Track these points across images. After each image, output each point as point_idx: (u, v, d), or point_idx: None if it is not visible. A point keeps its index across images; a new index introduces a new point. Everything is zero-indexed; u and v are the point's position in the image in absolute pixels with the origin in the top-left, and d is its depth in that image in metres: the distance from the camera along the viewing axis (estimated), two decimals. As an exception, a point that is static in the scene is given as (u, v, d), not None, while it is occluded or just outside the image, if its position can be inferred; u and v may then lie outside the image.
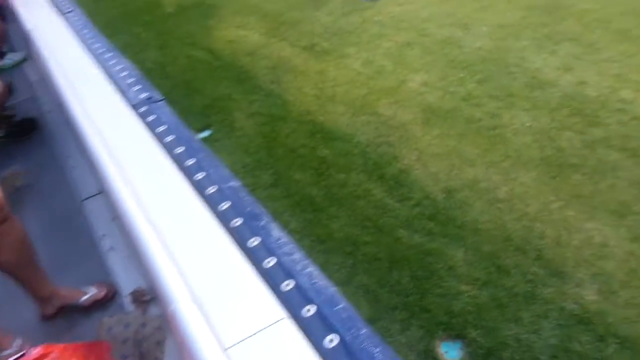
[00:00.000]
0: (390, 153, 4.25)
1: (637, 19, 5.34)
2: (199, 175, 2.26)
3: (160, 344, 2.25)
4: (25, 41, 4.28)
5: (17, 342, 2.16)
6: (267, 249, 1.75)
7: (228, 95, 5.29)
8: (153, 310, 2.54)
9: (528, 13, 5.87)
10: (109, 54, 3.34)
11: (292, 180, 4.04)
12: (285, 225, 3.47)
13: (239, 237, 1.80)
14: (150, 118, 2.67)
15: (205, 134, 4.79)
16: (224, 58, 6.05)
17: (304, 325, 1.41)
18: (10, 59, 5.32)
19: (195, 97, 5.39)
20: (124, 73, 3.07)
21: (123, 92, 2.81)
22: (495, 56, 5.18)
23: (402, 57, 5.51)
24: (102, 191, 3.36)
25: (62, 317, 2.59)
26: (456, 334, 2.72)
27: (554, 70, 4.79)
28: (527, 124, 4.18)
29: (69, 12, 4.15)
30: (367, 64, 5.51)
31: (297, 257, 1.71)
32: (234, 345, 1.32)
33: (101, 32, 4.12)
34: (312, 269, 1.65)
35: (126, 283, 2.75)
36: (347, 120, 4.73)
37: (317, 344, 1.37)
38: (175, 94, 5.52)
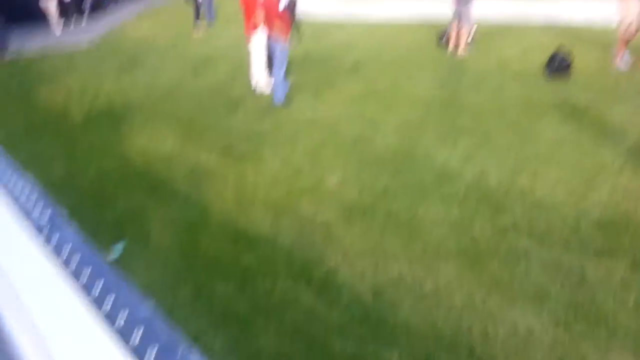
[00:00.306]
0: (316, 255, 4.20)
1: (526, 110, 6.01)
2: (107, 302, 2.04)
3: None
4: None
5: None
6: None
7: (142, 205, 5.07)
8: None
9: (428, 110, 6.41)
10: (8, 171, 3.08)
11: (215, 293, 3.82)
12: (208, 347, 3.20)
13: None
14: (53, 239, 2.44)
15: (118, 249, 4.49)
16: (137, 166, 5.89)
17: None
18: None
19: (106, 210, 5.10)
20: (25, 191, 2.82)
21: (25, 211, 2.57)
22: (404, 151, 5.52)
23: (317, 156, 5.69)
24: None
25: None
26: None
27: (457, 162, 5.16)
28: (441, 215, 4.37)
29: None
30: (284, 165, 5.61)
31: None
32: None
33: (1, 149, 3.87)
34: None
35: None
36: (269, 223, 4.67)
37: None
38: (84, 207, 5.20)
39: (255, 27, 7.22)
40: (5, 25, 11.48)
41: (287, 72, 7.19)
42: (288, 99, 7.12)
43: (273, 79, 7.13)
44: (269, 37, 6.96)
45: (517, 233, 4.04)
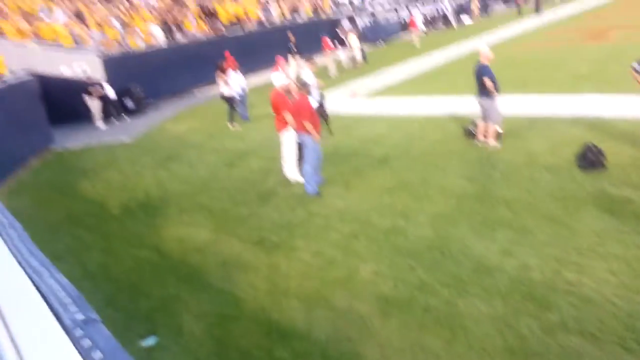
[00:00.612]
0: (352, 350, 4.05)
1: (562, 203, 5.94)
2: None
3: None
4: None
5: None
6: None
7: (176, 296, 5.06)
8: None
9: (460, 202, 6.42)
10: (45, 271, 3.14)
11: (249, 391, 3.67)
12: None
13: None
14: (85, 343, 2.41)
15: (151, 341, 4.42)
16: (172, 257, 5.96)
17: None
18: None
19: (140, 300, 5.11)
20: (60, 291, 2.84)
21: (57, 313, 2.57)
22: (439, 244, 5.46)
23: (350, 247, 5.68)
24: None
25: None
26: None
27: (496, 255, 5.06)
28: (484, 311, 4.21)
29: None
30: (317, 256, 5.59)
31: None
32: None
33: (42, 238, 3.99)
34: None
35: None
36: (303, 316, 4.58)
37: None
38: (119, 297, 5.23)
39: (285, 124, 7.60)
40: (50, 122, 12.38)
41: (319, 165, 7.41)
42: (319, 190, 7.27)
43: (305, 172, 7.35)
44: (300, 133, 7.29)
45: (567, 331, 3.84)
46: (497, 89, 8.14)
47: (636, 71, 7.04)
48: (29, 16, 16.06)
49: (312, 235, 6.12)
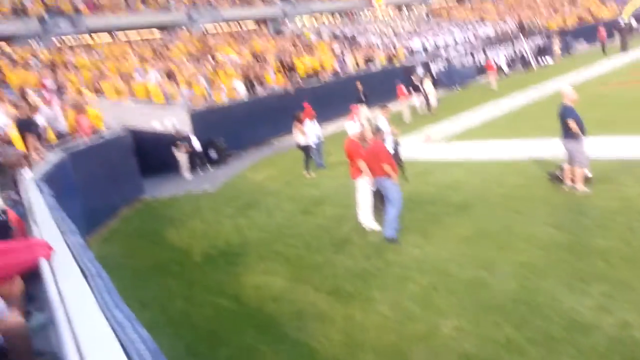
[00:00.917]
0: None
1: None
2: None
3: None
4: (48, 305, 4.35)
5: None
6: None
7: (254, 346, 5.11)
8: None
9: (548, 252, 6.02)
10: (128, 325, 3.28)
11: None
12: None
13: None
14: None
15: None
16: (250, 305, 6.07)
17: None
18: (37, 320, 5.36)
19: (220, 349, 5.21)
20: (141, 347, 2.94)
21: None
22: (526, 297, 5.12)
23: (429, 300, 5.47)
24: None
25: None
26: None
27: (591, 311, 4.65)
28: (581, 374, 3.85)
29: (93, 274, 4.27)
30: (394, 308, 5.44)
31: None
32: None
33: (130, 284, 4.25)
34: None
35: None
36: (380, 372, 4.43)
37: None
38: (199, 345, 5.37)
39: (359, 172, 7.66)
40: (142, 173, 13.37)
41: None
42: (397, 238, 7.16)
43: (388, 215, 7.28)
44: (380, 178, 7.32)
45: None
46: (582, 131, 7.73)
47: None
48: (126, 76, 17.80)
49: (389, 285, 5.99)
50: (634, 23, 35.48)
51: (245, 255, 7.67)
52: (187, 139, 15.06)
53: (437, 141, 13.98)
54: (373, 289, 5.94)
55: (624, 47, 28.09)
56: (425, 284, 5.83)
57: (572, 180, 7.95)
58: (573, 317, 4.61)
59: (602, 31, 30.40)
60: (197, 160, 15.31)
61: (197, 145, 15.32)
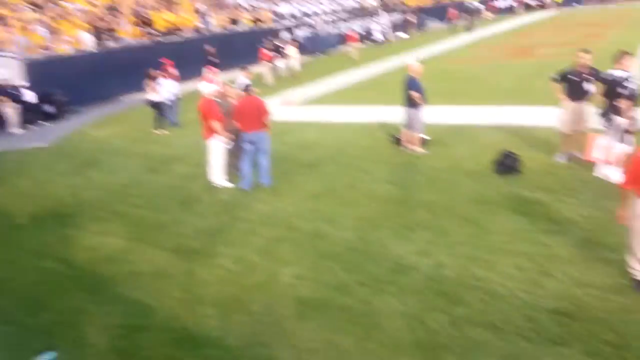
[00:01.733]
0: (266, 354, 4.02)
1: (479, 206, 6.24)
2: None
3: None
4: None
5: None
6: None
7: (80, 308, 4.82)
8: None
9: (384, 206, 6.58)
10: None
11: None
12: None
13: None
14: None
15: (48, 357, 4.17)
16: (81, 267, 5.68)
17: None
18: None
19: (41, 314, 4.82)
20: None
21: None
22: (360, 246, 5.56)
23: (272, 251, 5.66)
24: None
25: None
26: None
27: (413, 255, 5.22)
28: (397, 308, 4.32)
29: None
30: (237, 262, 5.53)
31: None
32: None
33: None
34: None
35: None
36: (217, 323, 4.49)
37: None
38: (16, 312, 4.91)
39: (212, 131, 7.57)
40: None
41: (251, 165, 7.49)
42: (247, 194, 7.25)
43: (261, 168, 7.62)
44: (255, 133, 7.48)
45: (473, 324, 4.01)
46: (423, 100, 8.50)
47: (555, 81, 7.55)
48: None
49: (235, 240, 6.06)
50: (479, 5, 39.63)
51: (79, 216, 7.12)
52: (15, 91, 13.32)
53: (296, 104, 14.29)
54: (218, 245, 5.96)
55: (469, 28, 31.21)
56: (270, 237, 6.01)
57: (410, 143, 8.75)
58: (397, 261, 5.13)
59: (453, 12, 33.46)
60: (30, 115, 13.68)
61: (30, 97, 13.65)
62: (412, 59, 9.91)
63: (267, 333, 4.27)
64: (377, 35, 30.41)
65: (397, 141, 9.15)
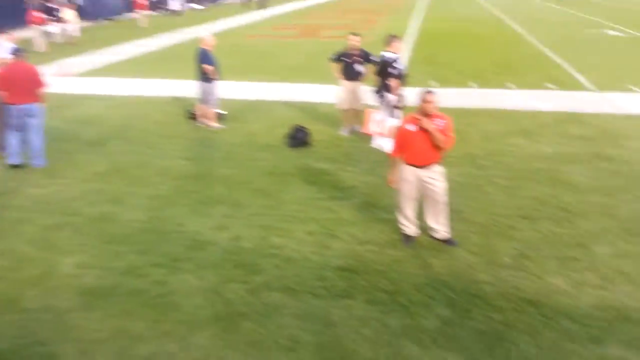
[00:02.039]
0: (44, 352, 3.61)
1: (272, 178, 6.51)
2: None
3: None
4: None
5: None
6: None
7: None
8: None
9: (179, 183, 6.42)
10: None
11: None
12: None
13: None
14: None
15: None
16: None
17: None
18: None
19: None
20: None
21: None
22: (154, 226, 5.33)
23: (50, 241, 5.05)
24: None
25: None
26: None
27: (211, 230, 5.23)
28: (195, 285, 4.30)
29: None
30: (6, 255, 4.81)
31: None
32: None
33: None
34: None
35: None
36: (-22, 327, 3.85)
37: None
38: None
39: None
40: None
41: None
42: (16, 177, 6.29)
43: (34, 146, 6.85)
44: (26, 106, 6.67)
45: (270, 289, 4.23)
46: (216, 74, 8.44)
47: (332, 61, 8.23)
48: None
49: (1, 232, 5.24)
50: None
51: None
52: None
53: (75, 75, 12.85)
54: (-22, 239, 5.08)
55: (262, 5, 31.97)
56: (47, 225, 5.36)
57: (206, 118, 8.66)
58: (195, 238, 5.08)
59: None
60: None
61: None
62: (204, 32, 9.74)
63: (45, 330, 3.83)
64: (174, 4, 29.00)
65: (192, 116, 8.96)
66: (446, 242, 4.89)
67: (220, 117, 8.79)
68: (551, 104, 9.81)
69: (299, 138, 7.79)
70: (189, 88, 9.30)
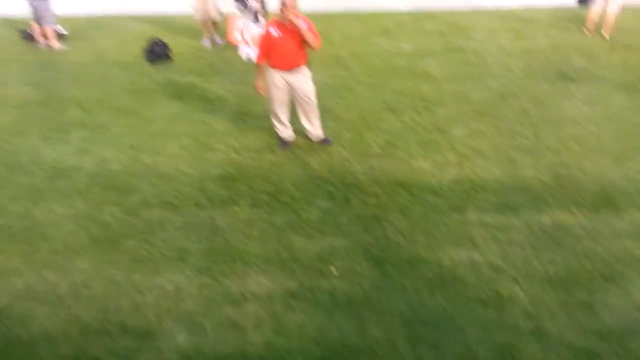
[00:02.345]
0: None
1: (134, 96, 6.15)
2: None
3: None
4: None
5: None
6: None
7: None
8: None
9: (25, 111, 5.82)
10: None
11: None
12: None
13: None
14: None
15: None
16: None
17: None
18: None
19: None
20: None
21: None
22: (5, 159, 4.86)
23: None
24: None
25: None
26: None
27: (72, 156, 4.91)
28: (64, 213, 4.08)
29: None
30: None
31: None
32: None
33: None
34: None
35: None
36: None
37: None
38: None
39: None
40: None
41: None
42: None
43: None
44: None
45: (149, 207, 4.17)
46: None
47: None
48: None
49: None
50: None
51: None
52: None
53: None
54: None
55: None
56: None
57: (45, 38, 7.74)
58: (55, 166, 4.75)
59: None
60: None
61: None
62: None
63: None
64: None
65: (29, 37, 7.95)
66: (322, 141, 5.12)
67: (62, 37, 7.91)
68: (409, 3, 10.25)
69: (157, 52, 7.35)
70: (19, 6, 8.13)
